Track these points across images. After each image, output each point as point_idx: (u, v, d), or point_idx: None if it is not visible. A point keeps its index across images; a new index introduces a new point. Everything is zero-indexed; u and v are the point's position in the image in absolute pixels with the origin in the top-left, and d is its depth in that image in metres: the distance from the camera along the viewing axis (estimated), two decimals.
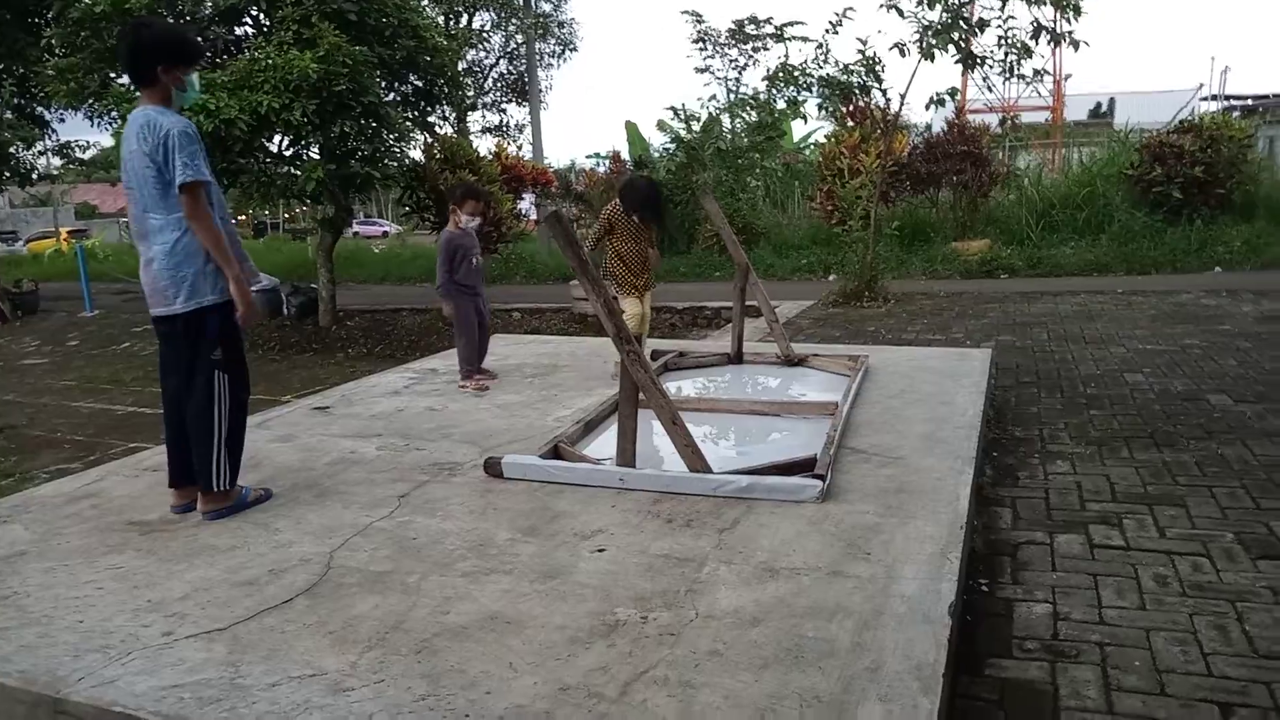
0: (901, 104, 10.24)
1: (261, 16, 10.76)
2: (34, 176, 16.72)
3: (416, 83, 11.98)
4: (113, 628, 2.44)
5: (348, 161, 10.33)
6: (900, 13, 9.10)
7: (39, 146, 15.86)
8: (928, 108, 10.02)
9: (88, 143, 17.13)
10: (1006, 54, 9.42)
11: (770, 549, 2.83)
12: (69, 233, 34.43)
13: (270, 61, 9.36)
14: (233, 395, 3.34)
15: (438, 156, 14.72)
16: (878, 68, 9.94)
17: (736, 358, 5.79)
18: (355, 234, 35.46)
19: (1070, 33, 9.03)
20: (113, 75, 10.62)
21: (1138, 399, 5.49)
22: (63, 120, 14.99)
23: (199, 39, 3.25)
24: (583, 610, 2.46)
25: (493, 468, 3.63)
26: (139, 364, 10.70)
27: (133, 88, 9.48)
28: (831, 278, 13.42)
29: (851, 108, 13.83)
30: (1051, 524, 3.60)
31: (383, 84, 11.08)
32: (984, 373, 5.30)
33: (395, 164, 11.53)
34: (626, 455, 3.48)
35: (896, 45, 9.43)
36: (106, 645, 2.33)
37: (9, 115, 14.66)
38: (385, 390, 5.44)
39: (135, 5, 9.83)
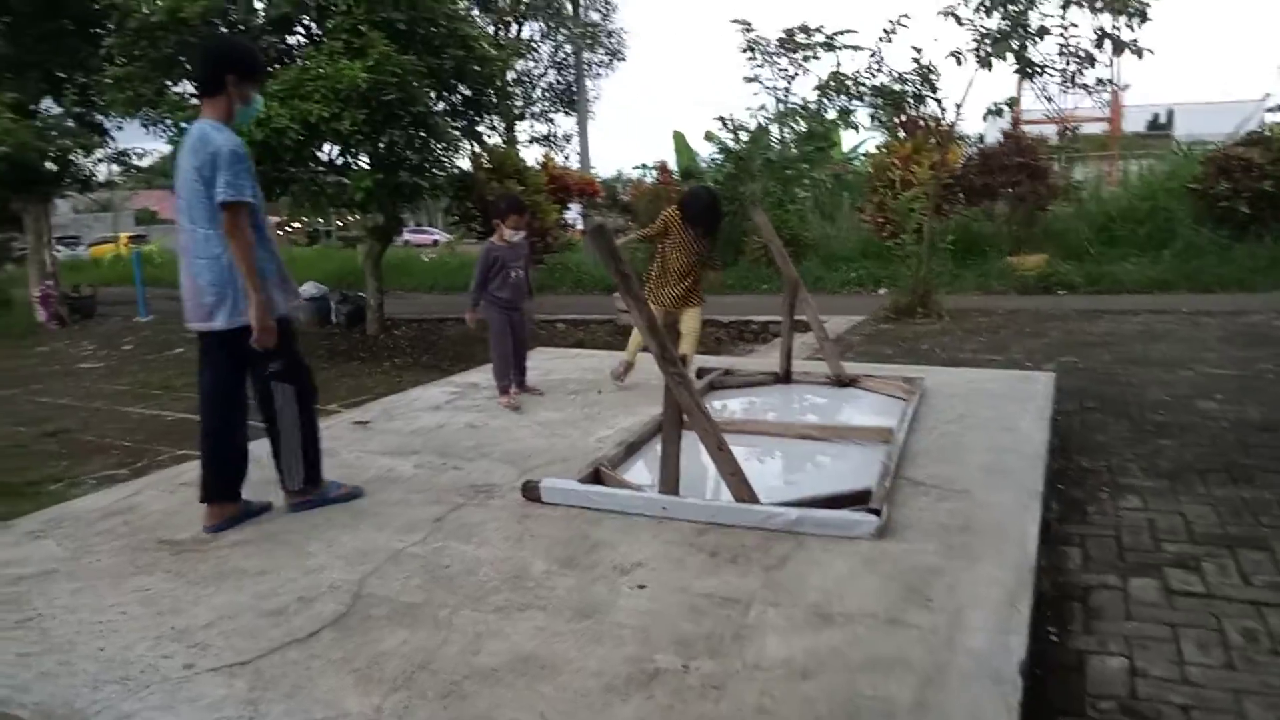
0: (957, 114, 9.95)
1: (313, 26, 10.86)
2: (93, 183, 17.10)
3: (465, 92, 12.00)
4: (134, 657, 2.35)
5: (396, 171, 10.35)
6: (958, 20, 8.84)
7: (98, 154, 16.20)
8: (984, 118, 9.76)
9: (143, 150, 17.42)
10: (1068, 63, 9.11)
11: (822, 590, 2.65)
12: (129, 238, 35.36)
13: (320, 71, 9.41)
14: (299, 401, 3.42)
15: (485, 166, 14.76)
16: (933, 76, 9.69)
17: (785, 377, 5.60)
18: (406, 242, 35.83)
19: (1134, 40, 8.70)
20: (168, 83, 10.81)
21: (1210, 428, 5.17)
22: (120, 128, 15.28)
23: (265, 62, 3.29)
24: (620, 655, 2.31)
25: (531, 491, 3.51)
26: (190, 370, 10.73)
27: (193, 98, 9.68)
28: (882, 291, 13.13)
29: (904, 118, 13.56)
30: (1124, 566, 3.36)
31: (432, 94, 11.12)
32: (1048, 397, 5.05)
33: (443, 174, 11.55)
34: (669, 482, 3.33)
35: (953, 53, 9.17)
36: (126, 677, 2.25)
37: (70, 123, 15.00)
38: (426, 405, 5.36)
39: (191, 14, 9.99)
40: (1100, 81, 9.71)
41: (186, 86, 10.72)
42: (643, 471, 3.83)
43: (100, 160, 16.74)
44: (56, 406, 9.15)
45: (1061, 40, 8.92)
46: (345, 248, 29.79)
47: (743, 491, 3.18)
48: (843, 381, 5.44)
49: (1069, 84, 9.23)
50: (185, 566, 2.96)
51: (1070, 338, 8.66)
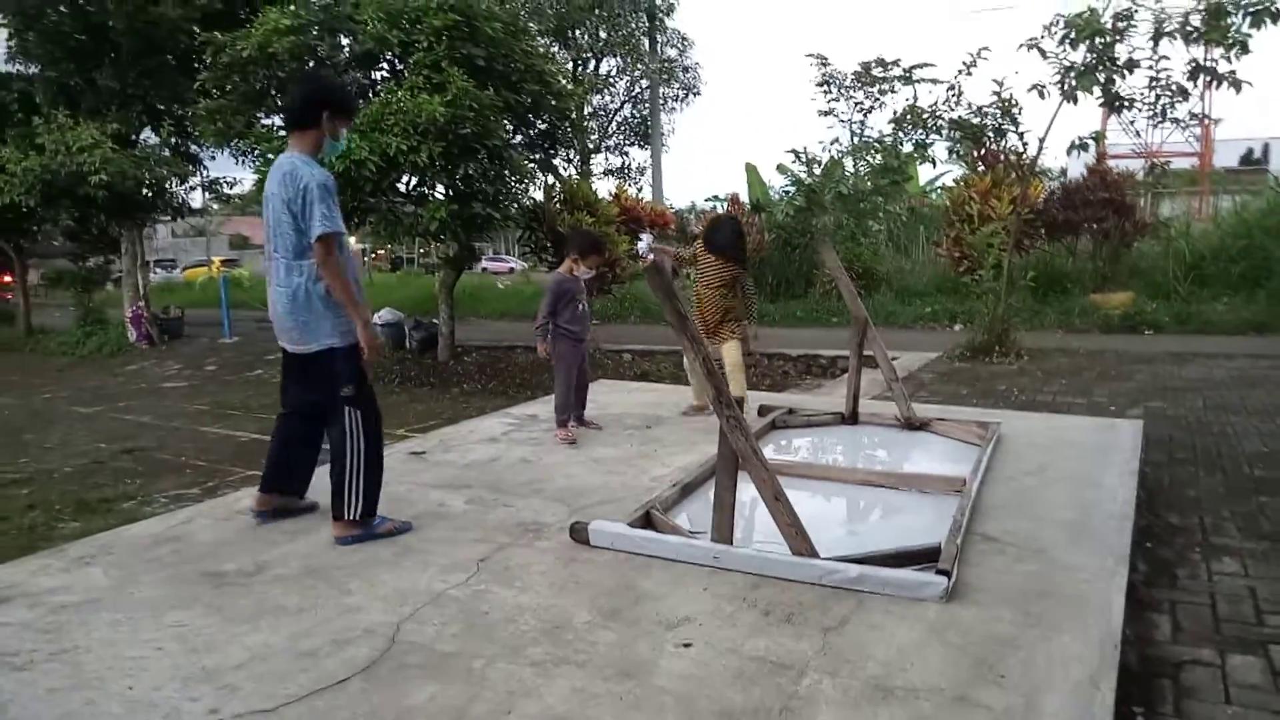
0: (1040, 148, 9.59)
1: (396, 62, 11.13)
2: (186, 210, 17.84)
3: (542, 126, 12.15)
4: (160, 699, 2.29)
5: (470, 202, 10.49)
6: (1042, 53, 8.54)
7: (191, 182, 16.92)
8: (1069, 152, 9.35)
9: (234, 179, 18.17)
10: (1158, 96, 8.70)
11: (883, 661, 2.45)
12: (221, 262, 36.88)
13: (401, 105, 9.62)
14: (365, 428, 3.47)
15: (557, 198, 14.88)
16: (1014, 110, 9.37)
17: (851, 418, 5.37)
18: (484, 269, 36.59)
19: (1232, 73, 8.26)
20: (257, 116, 11.21)
21: None
22: (213, 158, 15.97)
23: (355, 97, 3.45)
24: None
25: (579, 534, 3.39)
26: (267, 391, 11.09)
27: (280, 130, 9.99)
28: (957, 328, 12.72)
29: (983, 151, 13.20)
30: (1221, 640, 3.05)
31: (509, 127, 11.28)
32: (1135, 449, 4.72)
33: (515, 205, 11.68)
34: (723, 530, 3.17)
35: (1035, 87, 8.86)
36: None
37: (166, 153, 15.70)
38: (483, 436, 5.31)
39: (279, 49, 10.34)
40: (1193, 115, 9.27)
41: (275, 119, 11.09)
42: (698, 515, 3.67)
43: (193, 188, 17.52)
44: (137, 424, 9.45)
45: (1152, 73, 8.54)
46: (426, 274, 30.48)
47: (801, 545, 3.00)
48: (912, 424, 5.19)
49: (1159, 118, 8.81)
50: (225, 601, 2.92)
51: (1158, 381, 8.18)
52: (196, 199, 18.36)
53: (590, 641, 2.60)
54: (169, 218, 18.00)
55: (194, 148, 16.21)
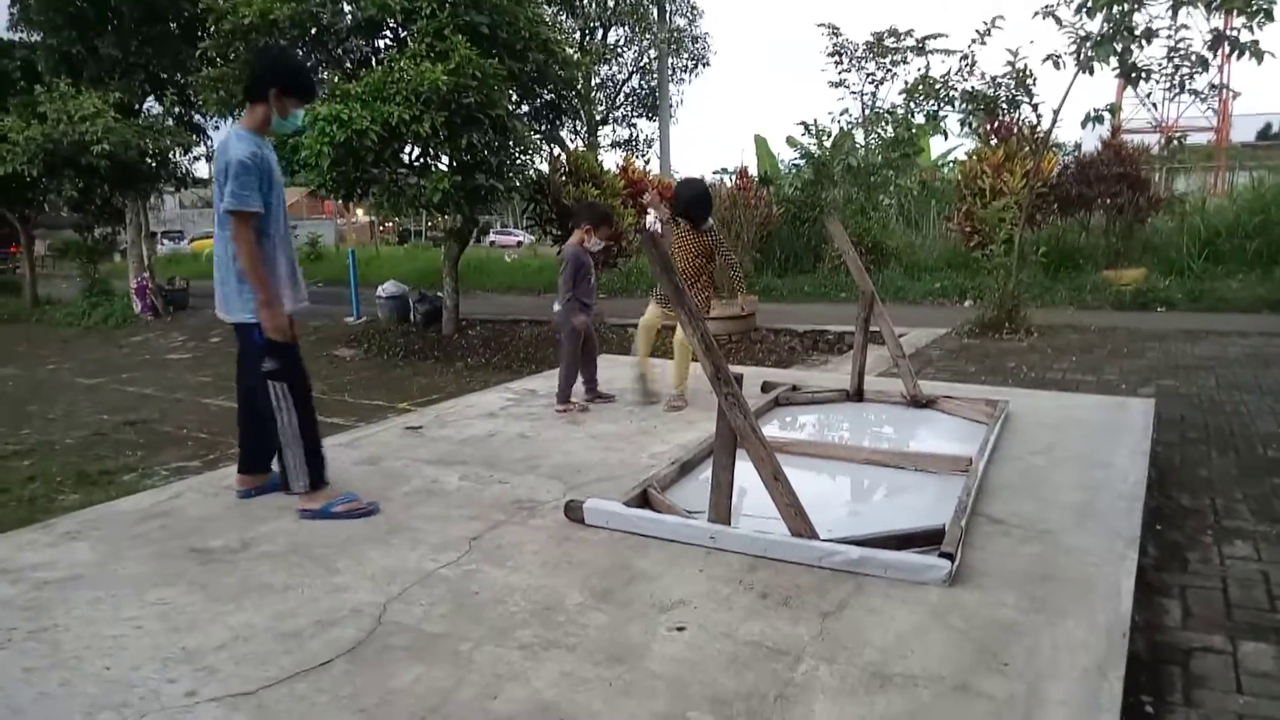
0: (1054, 120, 9.38)
1: (399, 29, 10.95)
2: (190, 181, 17.71)
3: (547, 96, 11.96)
4: (138, 680, 2.23)
5: (473, 173, 10.35)
6: (1058, 21, 8.32)
7: (196, 152, 16.77)
8: (1083, 125, 9.13)
9: None
10: (1176, 67, 8.48)
11: (882, 647, 2.37)
12: None
13: (403, 74, 9.46)
14: (293, 400, 3.42)
15: (563, 170, 14.72)
16: (1029, 81, 9.16)
17: (856, 395, 5.27)
18: (492, 243, 36.44)
19: (1255, 42, 8.03)
20: None
21: None
22: (216, 128, 15.78)
23: (314, 82, 3.32)
24: (649, 711, 2.08)
25: (573, 512, 3.31)
26: None
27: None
28: (967, 304, 12.56)
29: (996, 124, 12.96)
30: (1233, 626, 2.96)
31: (513, 97, 11.09)
32: (1147, 429, 4.61)
33: (519, 177, 11.53)
34: (720, 510, 3.08)
35: (1050, 57, 8.65)
36: (124, 703, 2.12)
37: (170, 123, 15.56)
38: (481, 412, 5.23)
39: (281, 16, 10.17)
40: (1214, 86, 9.04)
41: None
42: (696, 493, 3.58)
43: (197, 158, 17.35)
44: (141, 396, 9.43)
45: (1169, 43, 8.31)
46: (434, 247, 30.36)
47: (800, 525, 2.92)
48: (919, 402, 5.09)
49: (1177, 90, 8.59)
50: (210, 578, 2.86)
51: (1170, 360, 8.04)
52: (202, 169, 18.18)
53: (581, 624, 2.53)
54: (173, 188, 17.88)
55: (198, 117, 16.06)
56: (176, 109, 15.81)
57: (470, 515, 3.44)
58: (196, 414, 8.49)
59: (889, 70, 11.94)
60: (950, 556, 2.77)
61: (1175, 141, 10.35)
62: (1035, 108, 9.35)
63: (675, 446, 4.32)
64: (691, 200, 5.17)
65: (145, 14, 14.59)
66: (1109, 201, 13.78)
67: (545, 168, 13.88)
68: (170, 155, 15.48)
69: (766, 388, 5.38)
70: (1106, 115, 9.21)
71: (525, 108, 12.06)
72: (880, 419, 5.06)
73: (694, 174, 16.16)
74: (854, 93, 15.20)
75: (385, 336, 12.28)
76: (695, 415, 4.99)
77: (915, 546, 2.91)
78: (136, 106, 15.49)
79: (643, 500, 3.39)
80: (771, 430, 4.53)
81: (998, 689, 2.17)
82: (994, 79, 9.23)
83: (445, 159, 10.71)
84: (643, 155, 26.62)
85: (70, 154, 13.28)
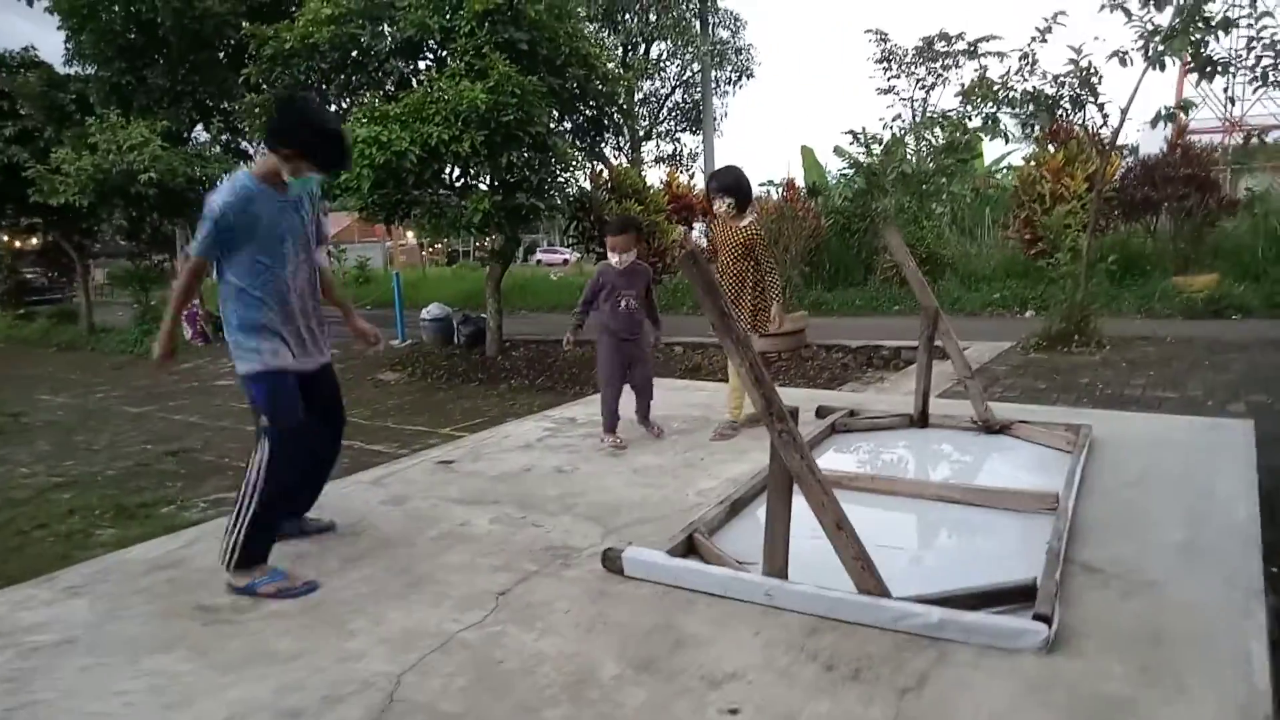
0: (1123, 120, 8.84)
1: (439, 49, 10.85)
2: None
3: (588, 112, 11.77)
4: None
5: (514, 192, 10.17)
6: (1127, 14, 7.82)
7: None
8: (1154, 124, 8.59)
9: None
10: (1259, 58, 7.91)
11: None
12: None
13: (442, 94, 9.33)
14: (270, 468, 3.02)
15: (605, 186, 14.51)
16: (1093, 79, 8.65)
17: (920, 420, 4.86)
18: (539, 261, 36.47)
19: None
20: None
21: None
22: (263, 154, 15.94)
23: (343, 152, 3.27)
24: None
25: (611, 563, 2.98)
26: None
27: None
28: (1029, 314, 12.01)
29: (1055, 126, 12.41)
30: None
31: (555, 114, 10.91)
32: (1249, 451, 4.14)
33: (560, 195, 11.33)
34: (775, 562, 2.73)
35: (1116, 53, 8.15)
36: None
37: (216, 150, 15.72)
38: (517, 443, 4.93)
39: (321, 40, 10.13)
40: None
41: None
42: (749, 535, 3.22)
43: None
44: (185, 424, 9.37)
45: (1250, 32, 7.76)
46: (481, 268, 30.45)
47: (869, 582, 2.55)
48: (991, 427, 4.66)
49: (1259, 83, 8.01)
50: (212, 642, 2.59)
51: (1257, 372, 7.46)
52: None
53: (617, 702, 2.20)
54: None
55: (244, 144, 16.23)
56: (224, 136, 15.99)
57: (499, 565, 3.13)
58: (239, 441, 8.37)
59: (940, 75, 11.53)
60: (1046, 619, 2.37)
61: (1256, 138, 9.72)
62: (1101, 107, 8.84)
63: (725, 481, 3.97)
64: (732, 183, 4.88)
65: (193, 43, 14.78)
66: (1176, 204, 13.12)
67: (587, 184, 13.68)
68: (218, 182, 15.62)
69: (821, 412, 5.00)
70: (1180, 113, 8.68)
71: (566, 124, 11.89)
72: (949, 448, 4.63)
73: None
74: (904, 99, 14.78)
75: (429, 359, 12.15)
76: (746, 444, 4.63)
77: (1003, 604, 2.53)
78: (185, 135, 15.70)
79: (688, 547, 3.05)
80: (828, 461, 4.16)
81: None
82: (1056, 78, 8.74)
83: (486, 178, 10.55)
84: (687, 170, 26.38)
85: (120, 183, 13.45)
